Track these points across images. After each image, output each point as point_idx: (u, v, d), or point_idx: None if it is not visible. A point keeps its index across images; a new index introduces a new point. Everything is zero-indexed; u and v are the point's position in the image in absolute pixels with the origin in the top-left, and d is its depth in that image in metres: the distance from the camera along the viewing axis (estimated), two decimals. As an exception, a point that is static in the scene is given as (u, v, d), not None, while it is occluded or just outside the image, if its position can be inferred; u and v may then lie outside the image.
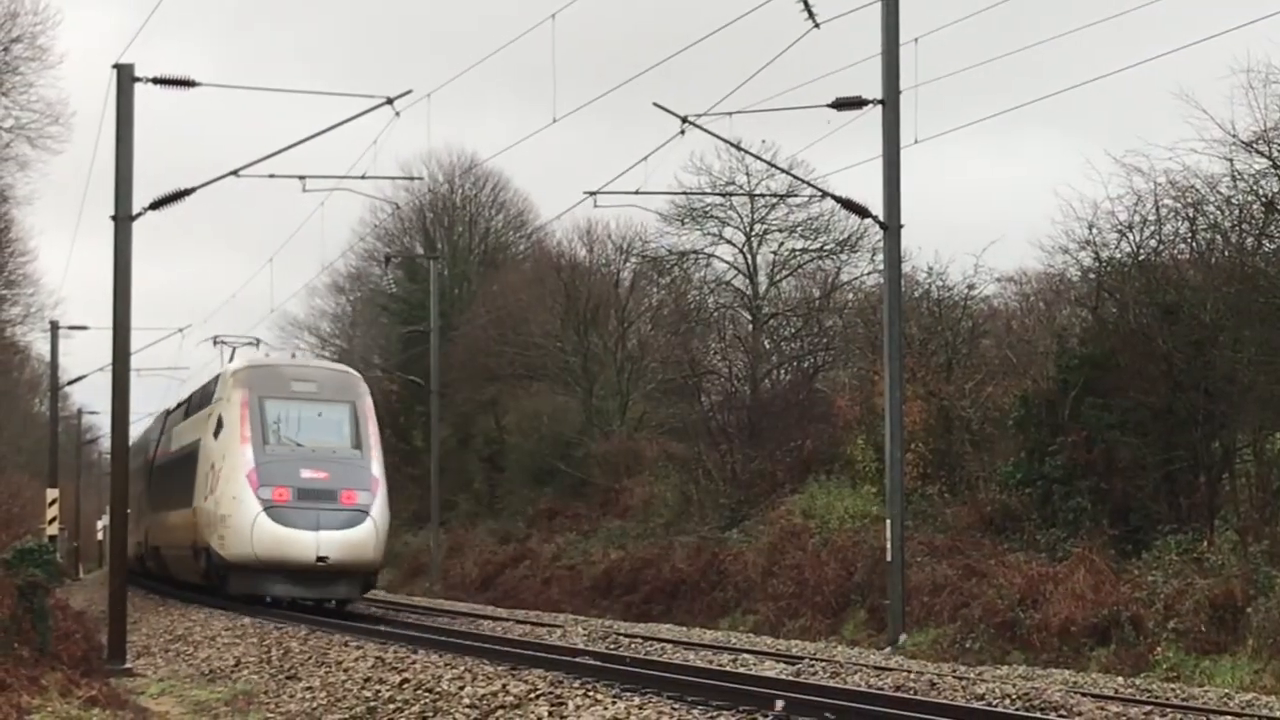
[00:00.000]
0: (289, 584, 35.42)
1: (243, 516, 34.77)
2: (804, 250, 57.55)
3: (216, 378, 39.91)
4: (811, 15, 28.22)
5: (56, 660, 22.11)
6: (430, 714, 17.45)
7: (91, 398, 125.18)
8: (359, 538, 34.67)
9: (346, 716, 18.28)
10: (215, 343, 48.48)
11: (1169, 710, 17.72)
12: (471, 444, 69.62)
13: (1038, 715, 16.63)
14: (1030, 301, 44.43)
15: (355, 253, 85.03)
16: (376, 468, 35.90)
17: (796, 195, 53.00)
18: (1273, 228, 30.54)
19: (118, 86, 27.29)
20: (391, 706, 18.39)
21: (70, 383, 72.11)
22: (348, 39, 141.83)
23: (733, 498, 45.94)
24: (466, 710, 17.19)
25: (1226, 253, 31.43)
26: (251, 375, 37.22)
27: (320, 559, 34.37)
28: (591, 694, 17.90)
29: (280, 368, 38.60)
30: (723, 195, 55.66)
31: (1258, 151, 29.76)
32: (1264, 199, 30.26)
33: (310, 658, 24.78)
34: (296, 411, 36.23)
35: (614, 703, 17.01)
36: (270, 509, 34.48)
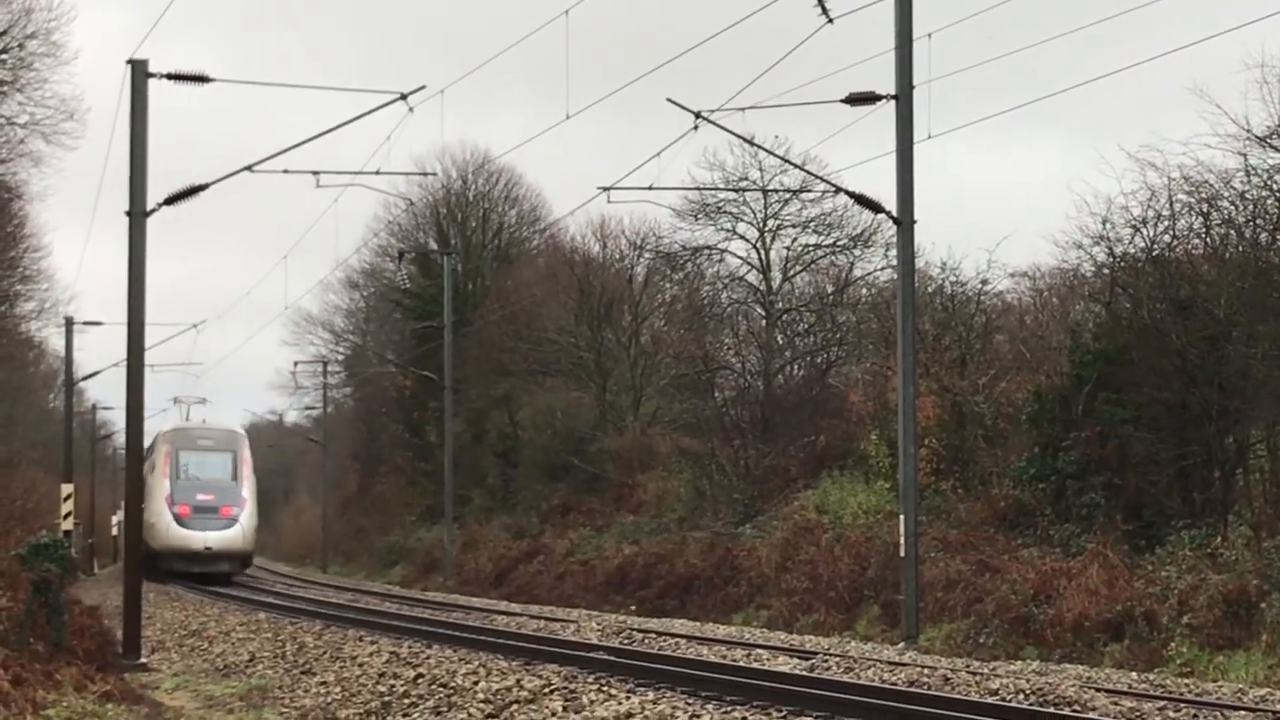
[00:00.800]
0: (190, 564, 54.53)
1: (162, 522, 53.96)
2: (817, 245, 57.55)
3: (158, 434, 58.85)
4: (825, 10, 28.18)
5: (71, 655, 22.18)
6: (445, 709, 17.48)
7: (106, 393, 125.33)
8: (231, 535, 55.01)
9: (361, 711, 18.31)
10: (176, 401, 73.77)
11: (1183, 705, 17.70)
12: (485, 439, 69.69)
13: (1051, 711, 16.63)
14: (1044, 297, 44.37)
15: (369, 248, 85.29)
16: (247, 492, 56.21)
17: (810, 191, 53.01)
18: (1287, 223, 30.49)
19: (132, 82, 27.34)
20: (406, 701, 18.42)
21: (85, 378, 72.19)
22: (360, 36, 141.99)
23: (746, 493, 45.95)
24: (481, 705, 17.22)
25: (1241, 248, 31.38)
26: (173, 435, 58.37)
27: (206, 549, 54.45)
28: (606, 689, 17.93)
29: (191, 430, 59.92)
30: (736, 191, 55.65)
31: (1272, 146, 29.72)
32: (1278, 194, 30.21)
33: (325, 652, 24.83)
34: (197, 458, 56.49)
35: (628, 697, 17.04)
36: (177, 519, 54.43)
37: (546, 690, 17.64)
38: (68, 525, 57.68)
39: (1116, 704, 17.33)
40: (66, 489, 60.48)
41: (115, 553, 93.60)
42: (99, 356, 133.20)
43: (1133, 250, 33.40)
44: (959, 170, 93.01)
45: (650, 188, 34.20)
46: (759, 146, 41.06)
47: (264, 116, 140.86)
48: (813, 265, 57.61)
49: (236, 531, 54.98)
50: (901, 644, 28.71)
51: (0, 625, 20.68)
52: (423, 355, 72.72)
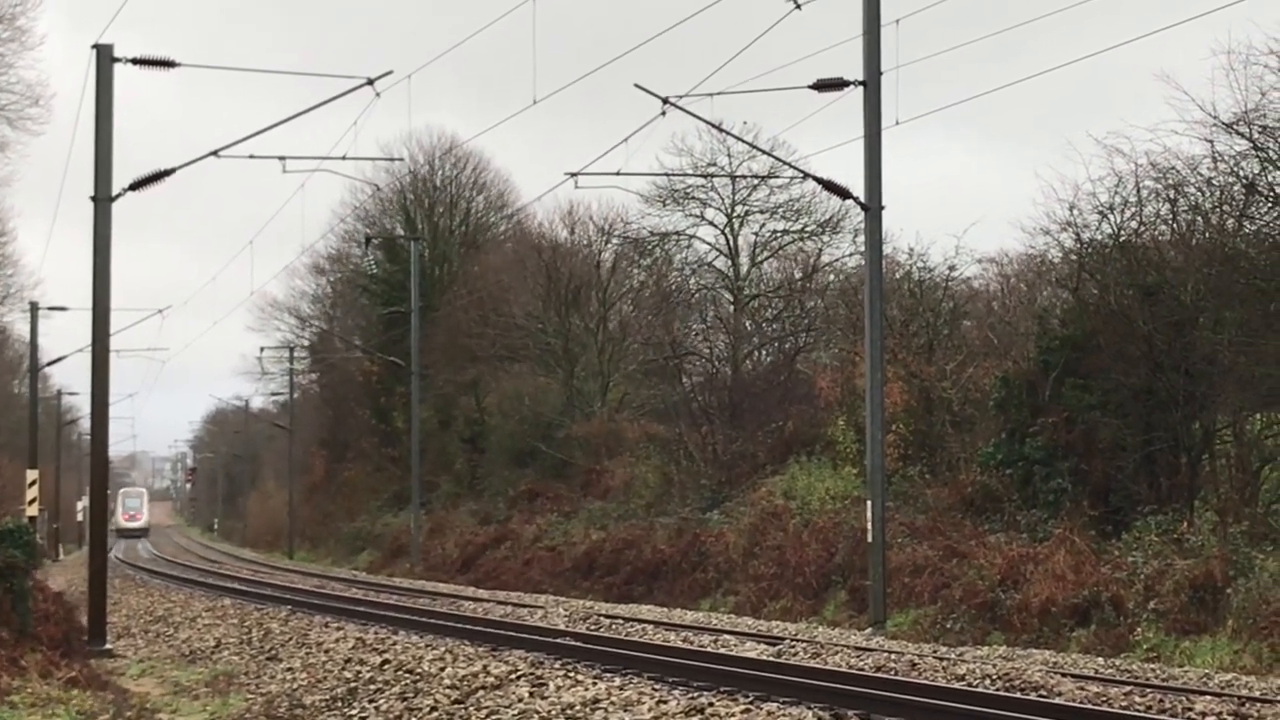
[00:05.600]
0: (126, 534, 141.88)
1: (118, 519, 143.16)
2: (785, 231, 57.59)
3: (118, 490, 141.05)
4: (793, -4, 28.09)
5: (36, 641, 22.08)
6: (411, 695, 17.43)
7: (71, 379, 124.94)
8: (140, 524, 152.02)
9: (327, 697, 18.25)
10: (124, 476, 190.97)
11: (1149, 690, 17.75)
12: (452, 425, 69.58)
13: (1018, 695, 16.65)
14: (1011, 283, 44.42)
15: (336, 234, 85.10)
16: (145, 510, 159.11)
17: (778, 176, 53.06)
18: (1253, 209, 30.53)
19: (97, 67, 27.19)
20: (372, 687, 18.37)
21: (50, 364, 71.82)
22: (328, 23, 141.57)
23: (714, 479, 45.94)
24: (447, 691, 17.18)
25: (1207, 234, 31.43)
26: (121, 492, 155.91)
27: (133, 529, 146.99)
28: (572, 674, 17.91)
29: (129, 490, 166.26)
30: (704, 176, 55.64)
31: (1238, 133, 29.73)
32: (1244, 180, 30.24)
33: (291, 639, 24.77)
34: (130, 499, 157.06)
35: (595, 683, 17.01)
36: (123, 519, 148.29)
37: (513, 676, 17.61)
38: (33, 511, 57.51)
39: (1083, 689, 17.37)
40: (31, 475, 60.26)
41: (80, 538, 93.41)
42: (64, 342, 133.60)
43: (1100, 236, 33.46)
44: (927, 156, 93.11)
45: (618, 173, 34.20)
46: (727, 132, 41.03)
47: (235, 107, 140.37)
48: (781, 251, 57.65)
49: (143, 523, 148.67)
50: (869, 629, 28.75)
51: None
52: (389, 341, 72.57)
